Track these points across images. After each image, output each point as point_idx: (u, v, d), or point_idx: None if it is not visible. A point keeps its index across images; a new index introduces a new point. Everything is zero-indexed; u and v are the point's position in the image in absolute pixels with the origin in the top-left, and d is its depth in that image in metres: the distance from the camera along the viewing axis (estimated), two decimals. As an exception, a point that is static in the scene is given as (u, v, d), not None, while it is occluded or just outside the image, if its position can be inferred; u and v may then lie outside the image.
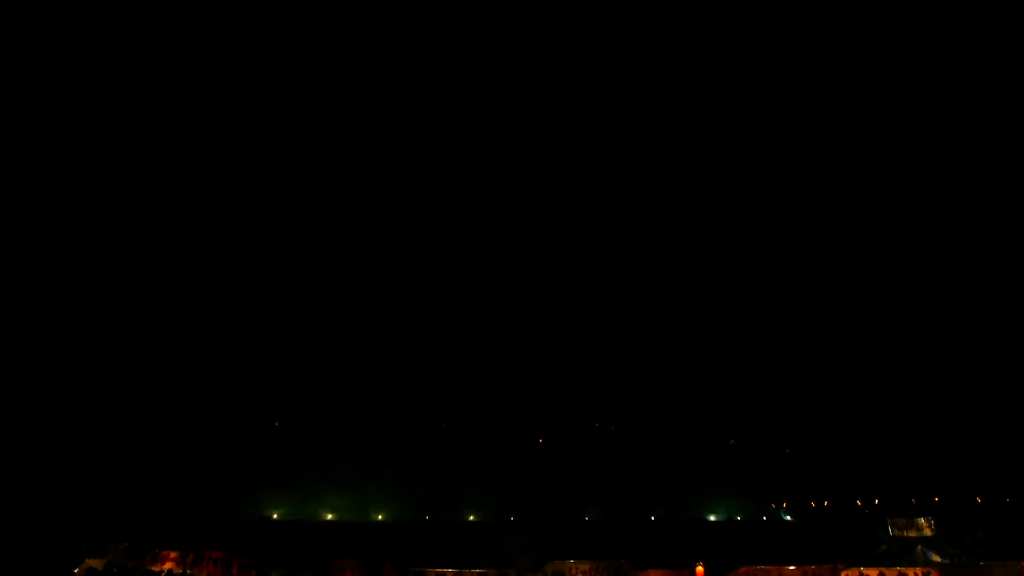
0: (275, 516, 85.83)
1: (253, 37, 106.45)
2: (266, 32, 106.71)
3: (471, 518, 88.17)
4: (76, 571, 55.45)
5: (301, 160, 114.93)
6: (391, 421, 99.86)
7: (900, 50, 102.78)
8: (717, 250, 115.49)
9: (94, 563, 55.05)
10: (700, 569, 52.90)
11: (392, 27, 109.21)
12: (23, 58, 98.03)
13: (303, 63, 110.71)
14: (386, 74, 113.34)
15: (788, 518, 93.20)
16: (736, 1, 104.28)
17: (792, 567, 51.64)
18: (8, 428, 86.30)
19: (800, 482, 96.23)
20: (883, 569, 50.01)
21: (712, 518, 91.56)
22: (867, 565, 51.13)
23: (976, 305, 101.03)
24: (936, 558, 61.82)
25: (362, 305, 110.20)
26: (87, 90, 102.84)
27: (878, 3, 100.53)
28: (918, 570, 49.76)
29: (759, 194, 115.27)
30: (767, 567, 52.16)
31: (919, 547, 63.93)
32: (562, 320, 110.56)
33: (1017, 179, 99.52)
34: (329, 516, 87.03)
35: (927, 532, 65.89)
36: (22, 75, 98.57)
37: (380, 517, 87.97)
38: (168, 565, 53.69)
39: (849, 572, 50.06)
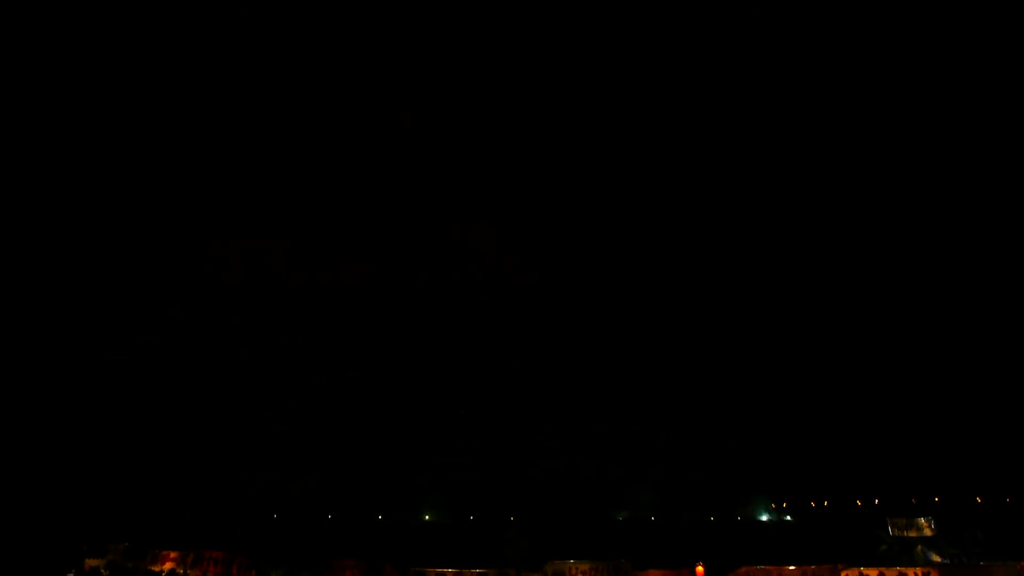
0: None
1: (252, 36, 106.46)
2: (265, 31, 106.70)
3: (471, 518, 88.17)
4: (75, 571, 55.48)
5: (301, 160, 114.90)
6: (391, 421, 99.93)
7: (900, 50, 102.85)
8: (717, 250, 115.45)
9: (94, 563, 55.06)
10: (700, 569, 52.96)
11: (392, 27, 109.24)
12: (23, 58, 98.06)
13: (302, 62, 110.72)
14: (386, 74, 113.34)
15: (788, 518, 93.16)
16: (736, 1, 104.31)
17: (792, 567, 51.70)
18: (8, 428, 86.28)
19: (800, 482, 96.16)
20: (883, 569, 50.03)
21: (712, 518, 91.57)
22: (867, 565, 51.16)
23: (976, 305, 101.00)
24: (936, 558, 61.74)
25: (362, 305, 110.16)
26: (86, 89, 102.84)
27: (878, 3, 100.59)
28: (918, 570, 49.78)
29: (759, 194, 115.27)
30: (767, 567, 52.25)
31: (919, 547, 63.81)
32: (562, 320, 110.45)
33: (1017, 179, 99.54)
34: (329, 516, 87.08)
35: (927, 532, 65.75)
36: (22, 75, 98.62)
37: (380, 517, 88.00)
38: (168, 565, 53.71)
39: (849, 572, 50.11)
